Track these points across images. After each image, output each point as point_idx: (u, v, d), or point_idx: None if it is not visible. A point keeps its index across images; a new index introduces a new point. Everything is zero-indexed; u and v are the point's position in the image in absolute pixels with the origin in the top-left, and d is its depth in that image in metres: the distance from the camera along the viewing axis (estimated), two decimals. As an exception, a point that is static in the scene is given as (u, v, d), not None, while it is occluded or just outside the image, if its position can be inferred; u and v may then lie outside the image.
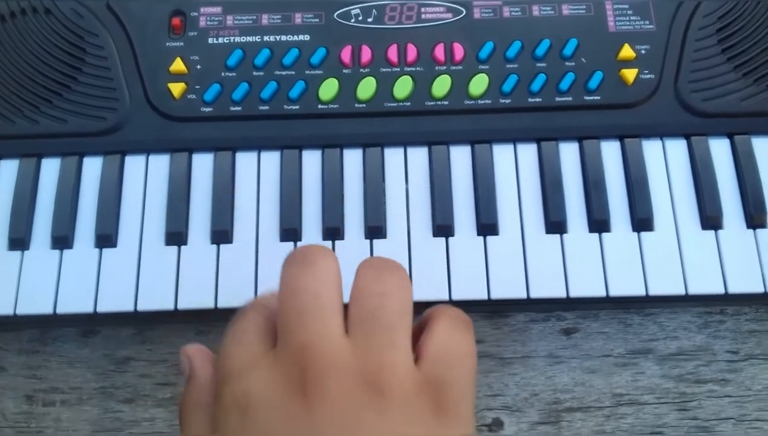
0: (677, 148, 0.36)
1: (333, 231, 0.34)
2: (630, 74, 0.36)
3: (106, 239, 0.34)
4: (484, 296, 0.33)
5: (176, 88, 0.36)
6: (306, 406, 0.20)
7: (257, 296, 0.29)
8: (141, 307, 0.33)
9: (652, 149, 0.36)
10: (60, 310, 0.33)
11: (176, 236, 0.34)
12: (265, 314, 0.24)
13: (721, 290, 0.33)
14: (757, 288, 0.33)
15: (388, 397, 0.21)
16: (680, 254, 0.34)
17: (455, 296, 0.33)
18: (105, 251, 0.34)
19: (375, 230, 0.34)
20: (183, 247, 0.34)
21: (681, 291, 0.33)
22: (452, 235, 0.34)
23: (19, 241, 0.34)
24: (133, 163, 0.35)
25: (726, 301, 0.35)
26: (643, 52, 0.37)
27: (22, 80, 0.36)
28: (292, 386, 0.21)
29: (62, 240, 0.34)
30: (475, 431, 0.24)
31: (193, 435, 0.22)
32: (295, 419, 0.20)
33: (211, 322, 0.36)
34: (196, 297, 0.33)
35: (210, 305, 0.33)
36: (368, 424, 0.20)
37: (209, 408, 0.22)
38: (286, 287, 0.23)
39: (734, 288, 0.33)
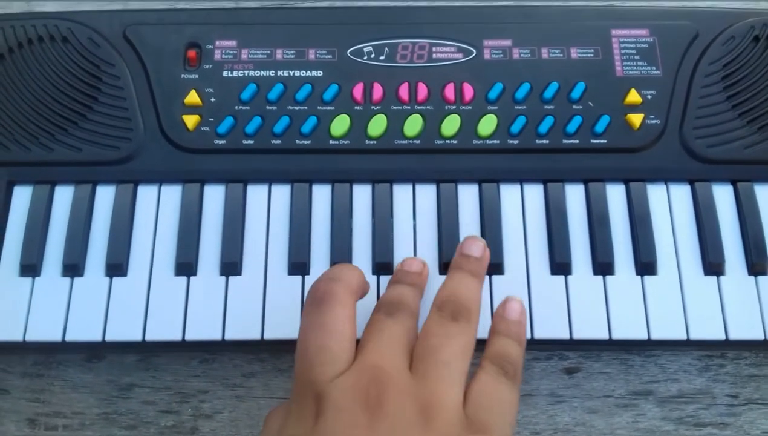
0: (681, 193, 0.37)
1: (341, 266, 0.35)
2: (636, 119, 0.37)
3: (116, 268, 0.34)
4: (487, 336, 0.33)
5: (190, 120, 0.36)
6: (367, 415, 0.24)
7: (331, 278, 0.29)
8: (149, 337, 0.33)
9: (656, 194, 0.37)
10: (69, 337, 0.33)
11: (186, 267, 0.34)
12: (354, 323, 0.28)
13: (721, 336, 0.34)
14: (758, 335, 0.34)
15: (435, 423, 0.25)
16: (682, 299, 0.34)
17: (460, 334, 0.33)
18: (115, 279, 0.34)
19: (382, 266, 0.35)
20: (192, 278, 0.34)
21: (682, 336, 0.34)
22: (458, 273, 0.35)
23: (31, 267, 0.34)
24: (146, 193, 0.36)
25: (727, 346, 0.36)
26: (649, 97, 0.38)
27: (38, 108, 0.37)
28: (359, 396, 0.25)
29: (73, 268, 0.34)
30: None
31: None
32: (358, 426, 0.24)
33: (216, 351, 0.37)
34: (203, 328, 0.33)
35: (217, 336, 0.33)
36: None
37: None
38: (372, 326, 0.28)
39: (735, 335, 0.34)
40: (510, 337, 0.29)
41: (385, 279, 0.34)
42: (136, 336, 0.33)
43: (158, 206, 0.36)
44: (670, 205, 0.36)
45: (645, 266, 0.35)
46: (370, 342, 0.27)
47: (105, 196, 0.36)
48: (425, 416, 0.25)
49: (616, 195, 0.36)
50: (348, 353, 0.27)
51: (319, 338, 0.27)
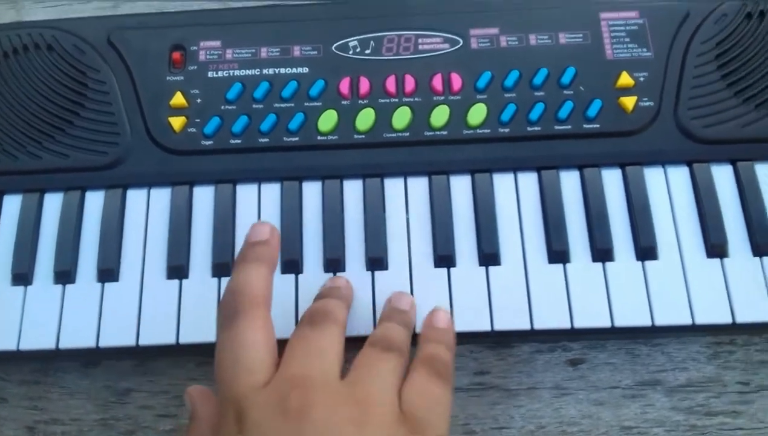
0: (679, 175, 0.36)
1: (334, 262, 0.34)
2: (629, 102, 0.36)
3: (108, 273, 0.34)
4: (488, 328, 0.33)
5: (177, 122, 0.36)
6: (292, 426, 0.24)
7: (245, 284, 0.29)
8: (143, 341, 0.33)
9: (653, 177, 0.36)
10: (62, 345, 0.33)
11: (178, 270, 0.34)
12: (266, 331, 0.27)
13: (728, 320, 0.33)
14: (766, 317, 0.33)
15: (370, 421, 0.24)
16: (686, 283, 0.33)
17: (458, 328, 0.32)
18: (107, 285, 0.34)
19: (376, 261, 0.34)
20: (184, 280, 0.34)
21: (688, 321, 0.33)
22: (454, 265, 0.34)
23: (22, 276, 0.34)
24: (135, 197, 0.36)
25: (735, 330, 0.35)
26: (641, 79, 0.37)
27: (25, 116, 0.37)
28: (280, 407, 0.24)
29: (64, 275, 0.34)
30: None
31: None
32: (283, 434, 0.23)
33: (213, 353, 0.36)
34: (197, 330, 0.33)
35: (211, 338, 0.32)
36: None
37: None
38: (297, 336, 0.28)
39: (742, 317, 0.32)
40: (440, 342, 0.30)
41: (379, 275, 0.34)
42: (129, 341, 0.33)
43: (148, 210, 0.35)
44: (668, 188, 0.36)
45: (645, 250, 0.34)
46: (295, 351, 0.27)
47: (94, 201, 0.36)
48: (360, 417, 0.24)
49: (612, 180, 0.36)
50: (265, 361, 0.26)
51: (232, 351, 0.26)
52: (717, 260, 0.34)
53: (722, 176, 0.36)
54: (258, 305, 0.27)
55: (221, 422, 0.26)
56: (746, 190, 0.35)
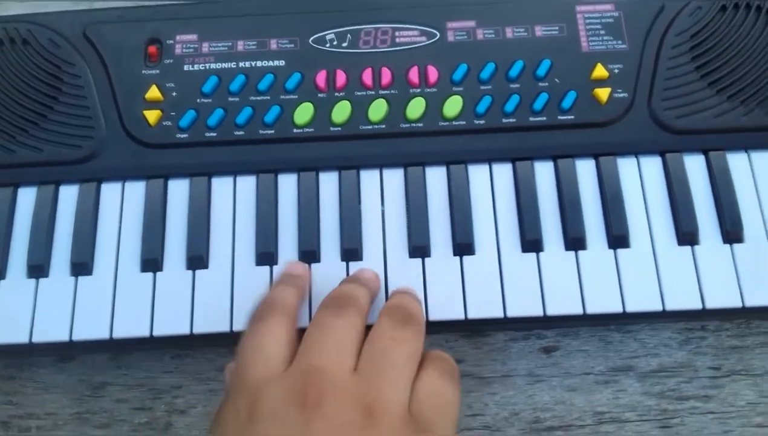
0: (652, 165, 0.36)
1: (309, 254, 0.34)
2: (603, 93, 0.37)
3: (81, 267, 0.34)
4: (462, 317, 0.33)
5: (152, 116, 0.36)
6: (303, 418, 0.24)
7: (277, 285, 0.31)
8: (117, 334, 0.33)
9: (627, 167, 0.36)
10: (36, 339, 0.33)
11: (152, 263, 0.34)
12: (286, 322, 0.28)
13: (698, 306, 0.33)
14: (735, 303, 0.33)
15: (378, 421, 0.24)
16: (657, 271, 0.34)
17: (432, 317, 0.33)
18: (81, 279, 0.34)
19: (351, 252, 0.34)
20: (159, 273, 0.34)
21: (658, 307, 0.33)
22: (428, 255, 0.34)
23: (-5, 270, 0.34)
24: (109, 191, 0.36)
25: (705, 316, 0.35)
26: (616, 71, 0.37)
27: (-1, 110, 0.36)
28: (294, 399, 0.24)
29: (38, 269, 0.34)
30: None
31: None
32: (293, 428, 0.24)
33: (188, 346, 0.36)
34: (171, 323, 0.33)
35: (186, 330, 0.33)
36: None
37: None
38: (316, 323, 0.28)
39: (712, 303, 0.33)
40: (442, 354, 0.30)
41: (354, 265, 0.34)
42: (103, 334, 0.33)
43: (122, 203, 0.35)
44: (641, 178, 0.36)
45: (617, 239, 0.34)
46: (314, 341, 0.27)
47: (68, 195, 0.35)
48: (369, 418, 0.24)
49: (586, 170, 0.36)
50: (284, 355, 0.26)
51: (256, 339, 0.27)
52: (688, 248, 0.34)
53: (694, 166, 0.36)
54: (287, 313, 0.28)
55: (230, 409, 0.26)
56: (717, 179, 0.36)
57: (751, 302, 0.33)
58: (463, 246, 0.34)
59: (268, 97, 0.37)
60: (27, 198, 0.35)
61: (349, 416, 0.24)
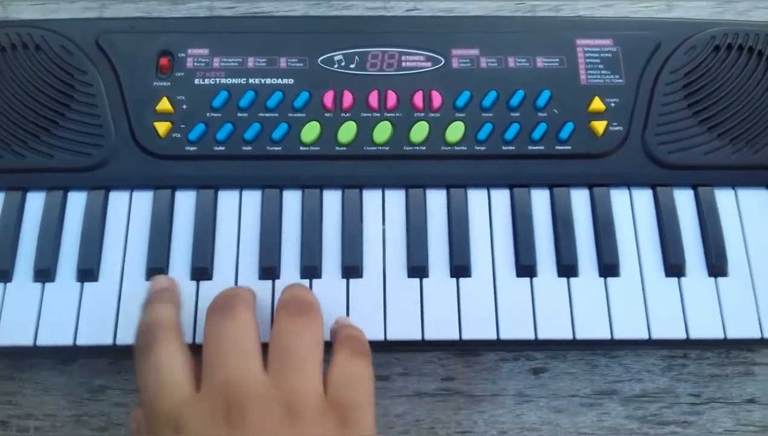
0: (643, 197, 0.38)
1: (311, 270, 0.35)
2: (600, 126, 0.38)
3: (88, 273, 0.35)
4: (456, 337, 0.34)
5: (162, 127, 0.37)
6: (231, 433, 0.24)
7: (149, 305, 0.31)
8: (120, 341, 0.33)
9: (619, 198, 0.37)
10: (40, 342, 0.33)
11: (157, 272, 0.35)
12: (174, 342, 0.28)
13: (682, 336, 0.34)
14: (717, 334, 0.35)
15: (301, 417, 0.25)
16: (644, 300, 0.35)
17: (428, 336, 0.34)
18: (86, 284, 0.35)
19: (351, 269, 0.35)
20: (163, 282, 0.35)
21: (644, 336, 0.34)
22: (426, 276, 0.35)
23: (2, 273, 0.34)
24: (117, 199, 0.36)
25: (688, 345, 0.37)
26: (612, 105, 0.39)
27: (11, 115, 0.37)
28: (218, 417, 0.25)
29: (44, 273, 0.34)
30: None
31: None
32: None
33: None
34: (174, 332, 0.34)
35: (188, 340, 0.34)
36: None
37: None
38: (210, 333, 0.28)
39: (695, 334, 0.34)
40: (352, 327, 0.31)
41: (354, 283, 0.35)
42: (107, 340, 0.33)
43: (129, 212, 0.36)
44: (632, 209, 0.37)
45: (608, 267, 0.36)
46: (215, 354, 0.27)
47: (76, 202, 0.36)
48: (291, 415, 0.25)
49: (580, 200, 0.37)
50: (188, 376, 0.27)
51: (155, 373, 0.27)
52: (675, 279, 0.36)
53: (684, 200, 0.38)
54: (171, 330, 0.29)
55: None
56: (705, 214, 0.37)
57: (733, 334, 0.34)
58: (459, 268, 0.35)
59: (277, 115, 0.38)
60: (36, 203, 0.36)
61: (274, 420, 0.25)
